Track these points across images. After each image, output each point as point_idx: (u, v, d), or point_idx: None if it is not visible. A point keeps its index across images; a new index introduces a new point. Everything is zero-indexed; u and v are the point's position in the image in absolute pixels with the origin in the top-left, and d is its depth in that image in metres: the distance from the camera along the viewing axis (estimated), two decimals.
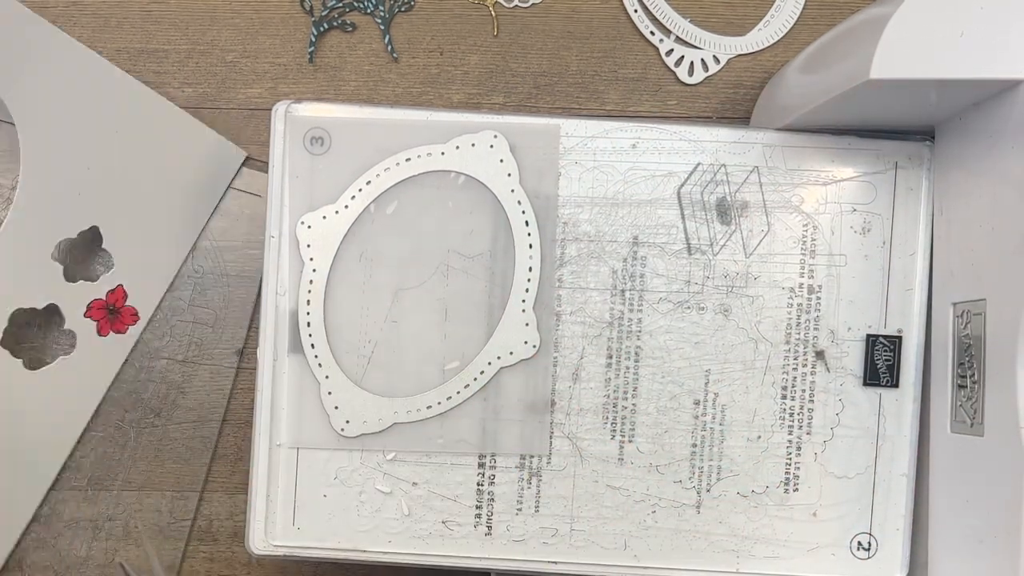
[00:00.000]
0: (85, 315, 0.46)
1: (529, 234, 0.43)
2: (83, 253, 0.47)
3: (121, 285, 0.46)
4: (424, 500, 0.43)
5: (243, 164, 0.48)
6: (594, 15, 0.48)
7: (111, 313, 0.46)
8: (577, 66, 0.48)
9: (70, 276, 0.47)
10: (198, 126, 0.48)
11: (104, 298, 0.46)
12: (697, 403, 0.43)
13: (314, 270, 0.42)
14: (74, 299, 0.47)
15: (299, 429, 0.43)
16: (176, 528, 0.49)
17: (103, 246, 0.47)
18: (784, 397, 0.43)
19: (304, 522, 0.43)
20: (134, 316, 0.46)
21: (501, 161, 0.43)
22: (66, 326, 0.47)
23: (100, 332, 0.46)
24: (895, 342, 0.42)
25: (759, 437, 0.43)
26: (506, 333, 0.43)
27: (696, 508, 0.43)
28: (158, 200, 0.47)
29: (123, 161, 0.47)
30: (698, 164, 0.43)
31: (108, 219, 0.47)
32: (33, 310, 0.47)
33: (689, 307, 0.43)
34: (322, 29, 0.48)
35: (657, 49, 0.48)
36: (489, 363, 0.43)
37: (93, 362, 0.47)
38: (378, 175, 0.42)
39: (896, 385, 0.43)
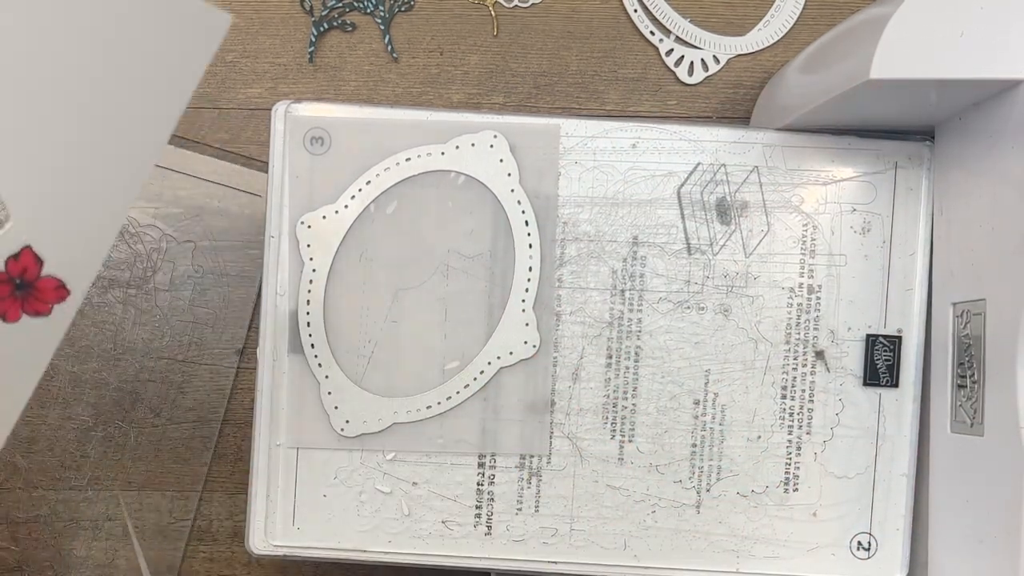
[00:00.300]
0: None
1: (529, 234, 0.43)
2: None
3: (28, 247, 0.31)
4: (424, 500, 0.43)
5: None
6: (594, 15, 0.48)
7: (19, 289, 0.32)
8: (577, 66, 0.48)
9: None
10: None
11: (3, 268, 0.31)
12: (697, 403, 0.43)
13: (314, 270, 0.42)
14: None
15: (299, 429, 0.43)
16: (176, 528, 0.49)
17: None
18: (784, 397, 0.43)
19: (304, 522, 0.43)
20: (59, 290, 0.32)
21: (501, 161, 0.43)
22: None
23: (6, 317, 0.32)
24: (895, 342, 0.42)
25: (759, 437, 0.43)
26: (506, 333, 0.43)
27: (696, 508, 0.43)
28: (70, 89, 0.30)
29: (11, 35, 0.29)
30: (698, 164, 0.43)
31: None
32: None
33: (689, 307, 0.43)
34: (322, 29, 0.48)
35: (657, 49, 0.48)
36: (489, 363, 0.43)
37: (3, 358, 0.33)
38: (378, 175, 0.43)
39: (896, 385, 0.43)
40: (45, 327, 0.33)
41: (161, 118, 0.31)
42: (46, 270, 0.32)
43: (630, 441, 0.43)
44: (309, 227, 0.42)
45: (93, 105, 0.30)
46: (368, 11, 0.48)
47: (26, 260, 0.32)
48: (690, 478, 0.43)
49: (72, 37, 0.29)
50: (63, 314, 0.33)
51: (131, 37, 0.30)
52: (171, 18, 0.31)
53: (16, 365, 0.33)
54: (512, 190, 0.43)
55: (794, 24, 0.48)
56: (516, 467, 0.43)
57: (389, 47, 0.48)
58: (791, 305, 0.43)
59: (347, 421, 0.43)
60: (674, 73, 0.48)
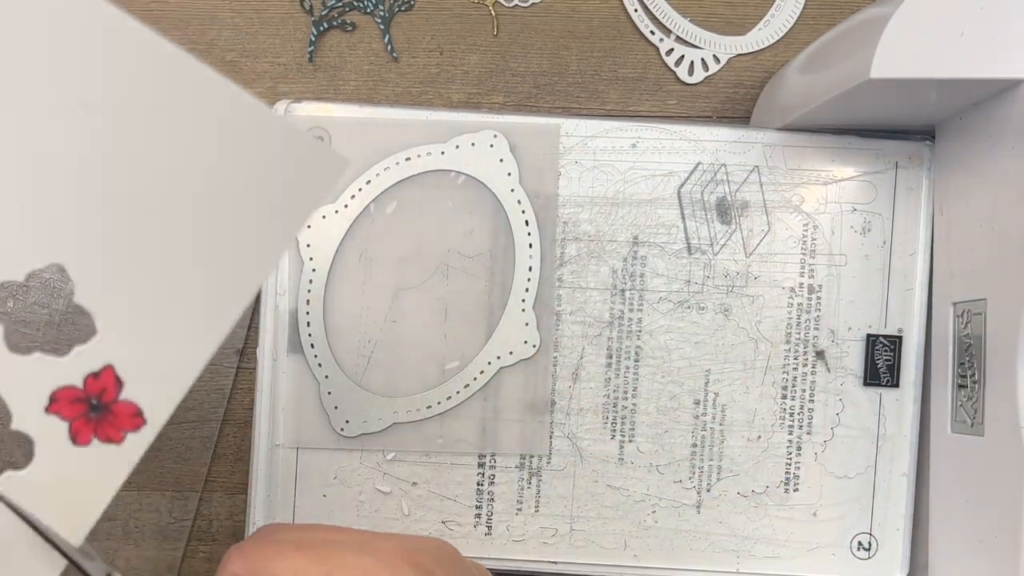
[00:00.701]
0: (48, 409, 0.30)
1: (529, 234, 0.43)
2: (41, 309, 0.30)
3: (110, 367, 0.30)
4: (424, 500, 0.43)
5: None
6: (594, 15, 0.48)
7: (94, 411, 0.30)
8: (577, 66, 0.48)
9: (19, 344, 0.30)
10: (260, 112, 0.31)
11: (82, 386, 0.30)
12: (697, 403, 0.43)
13: (314, 270, 0.42)
14: (27, 382, 0.29)
15: (299, 429, 0.43)
16: (176, 528, 0.49)
17: (75, 299, 0.30)
18: (784, 397, 0.43)
19: (304, 522, 0.43)
20: (135, 418, 0.30)
21: (501, 161, 0.42)
22: (14, 425, 0.30)
23: (76, 439, 0.30)
24: (895, 342, 0.42)
25: (759, 437, 0.43)
26: (506, 333, 0.43)
27: (696, 508, 0.43)
28: (177, 216, 0.29)
29: (117, 151, 0.29)
30: (698, 164, 0.43)
31: (84, 250, 0.29)
32: None
33: (689, 307, 0.43)
34: (322, 29, 0.48)
35: (657, 49, 0.48)
36: (489, 363, 0.43)
37: (64, 484, 0.30)
38: (378, 175, 0.42)
39: (896, 385, 0.43)
40: (114, 457, 0.30)
41: (264, 257, 0.30)
42: (123, 394, 0.30)
43: (630, 441, 0.43)
44: (309, 227, 0.42)
45: (199, 234, 0.29)
46: (368, 11, 0.48)
47: (107, 380, 0.30)
48: (690, 478, 0.43)
49: (182, 166, 0.29)
50: (135, 445, 0.30)
51: (242, 173, 0.30)
52: (285, 157, 0.30)
53: (78, 494, 0.30)
54: (512, 190, 0.42)
55: (794, 24, 0.48)
56: (516, 467, 0.43)
57: (389, 47, 0.48)
58: (791, 305, 0.43)
59: (347, 421, 0.43)
60: (674, 73, 0.48)
